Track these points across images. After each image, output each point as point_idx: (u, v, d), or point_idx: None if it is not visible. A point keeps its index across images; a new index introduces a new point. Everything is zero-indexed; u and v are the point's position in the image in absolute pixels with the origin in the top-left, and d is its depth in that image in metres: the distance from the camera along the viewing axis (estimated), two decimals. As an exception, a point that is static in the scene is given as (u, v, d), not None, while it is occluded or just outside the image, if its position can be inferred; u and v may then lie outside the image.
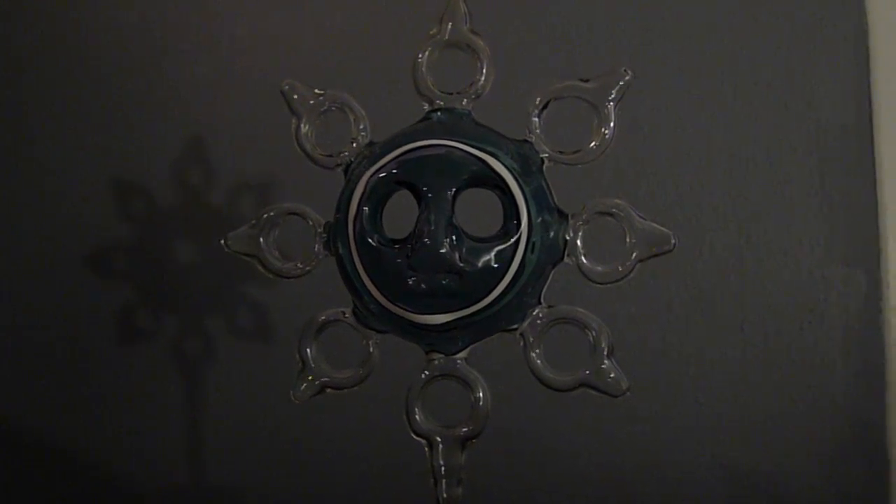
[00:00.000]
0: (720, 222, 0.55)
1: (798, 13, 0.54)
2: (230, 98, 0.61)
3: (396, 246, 0.30)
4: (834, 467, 0.54)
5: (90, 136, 0.63)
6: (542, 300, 0.32)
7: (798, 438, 0.54)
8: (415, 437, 0.32)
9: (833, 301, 0.54)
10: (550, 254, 0.31)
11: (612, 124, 0.31)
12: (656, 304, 0.56)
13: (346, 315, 0.33)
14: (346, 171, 0.33)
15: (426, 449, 0.32)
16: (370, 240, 0.30)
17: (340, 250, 0.32)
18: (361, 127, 0.33)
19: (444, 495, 0.32)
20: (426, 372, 0.32)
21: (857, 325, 0.53)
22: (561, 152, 0.32)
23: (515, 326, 0.31)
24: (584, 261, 0.31)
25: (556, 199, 0.32)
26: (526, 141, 0.32)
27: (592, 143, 0.31)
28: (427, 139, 0.30)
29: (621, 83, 0.31)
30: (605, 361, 0.31)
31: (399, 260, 0.30)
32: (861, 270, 0.54)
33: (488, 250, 0.30)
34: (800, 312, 0.54)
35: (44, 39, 0.64)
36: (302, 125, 0.33)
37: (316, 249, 0.33)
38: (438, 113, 0.32)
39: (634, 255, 0.31)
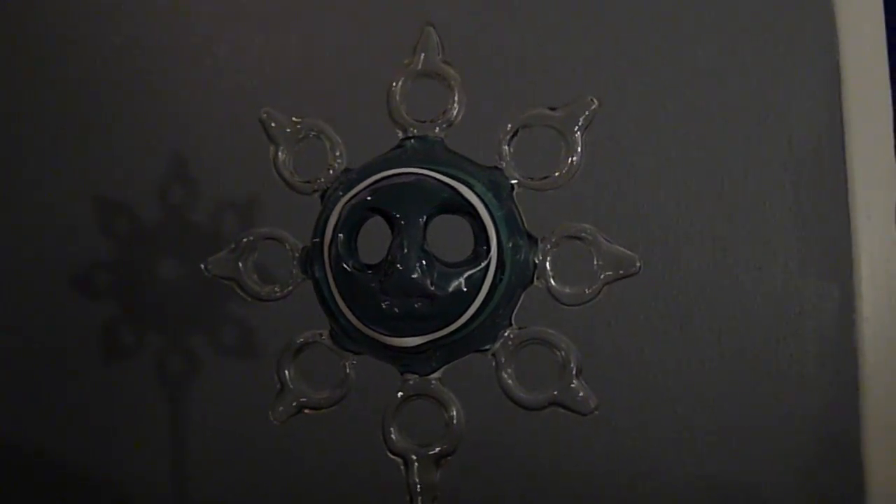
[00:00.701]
0: (696, 238, 0.56)
1: (770, 32, 0.56)
2: (212, 119, 0.62)
3: (370, 271, 0.31)
4: (811, 476, 0.55)
5: (74, 155, 0.64)
6: (512, 322, 0.33)
7: (775, 448, 0.55)
8: (391, 455, 0.33)
9: (808, 314, 0.55)
10: (520, 277, 0.32)
11: (579, 150, 0.32)
12: (635, 318, 0.56)
13: (323, 337, 0.34)
14: (322, 197, 0.34)
15: (402, 467, 0.33)
16: (345, 265, 0.31)
17: (317, 274, 0.33)
18: (338, 154, 0.34)
19: (420, 512, 0.32)
20: (401, 392, 0.33)
21: (831, 336, 0.54)
22: (530, 178, 0.33)
23: (487, 347, 0.32)
24: (553, 283, 0.32)
25: (526, 224, 0.33)
26: (496, 168, 0.33)
27: (560, 170, 0.32)
28: (400, 167, 0.31)
29: (587, 112, 0.32)
30: (574, 381, 0.32)
31: (373, 285, 0.31)
32: (835, 283, 0.55)
33: (459, 275, 0.31)
34: (775, 325, 0.55)
35: (27, 60, 0.65)
36: (280, 153, 0.34)
37: (293, 273, 0.34)
38: (412, 140, 0.33)
39: (601, 277, 0.32)
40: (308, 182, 0.34)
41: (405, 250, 0.30)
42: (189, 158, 0.62)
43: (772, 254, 0.55)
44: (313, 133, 0.34)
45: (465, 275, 0.31)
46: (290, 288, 0.34)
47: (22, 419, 0.64)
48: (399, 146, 0.33)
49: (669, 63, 0.57)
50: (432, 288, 0.30)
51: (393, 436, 0.33)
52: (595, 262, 0.32)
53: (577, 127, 0.32)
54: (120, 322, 0.63)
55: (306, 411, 0.34)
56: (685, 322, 0.56)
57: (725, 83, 0.56)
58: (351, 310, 0.31)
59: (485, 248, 0.31)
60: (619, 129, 0.56)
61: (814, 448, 0.55)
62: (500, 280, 0.31)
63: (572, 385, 0.32)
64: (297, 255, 0.34)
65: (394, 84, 0.33)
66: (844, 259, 0.54)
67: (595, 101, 0.32)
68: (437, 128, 0.33)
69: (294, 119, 0.34)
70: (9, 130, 0.65)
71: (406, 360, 0.33)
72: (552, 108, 0.32)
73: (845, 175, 0.54)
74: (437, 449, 0.32)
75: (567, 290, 0.32)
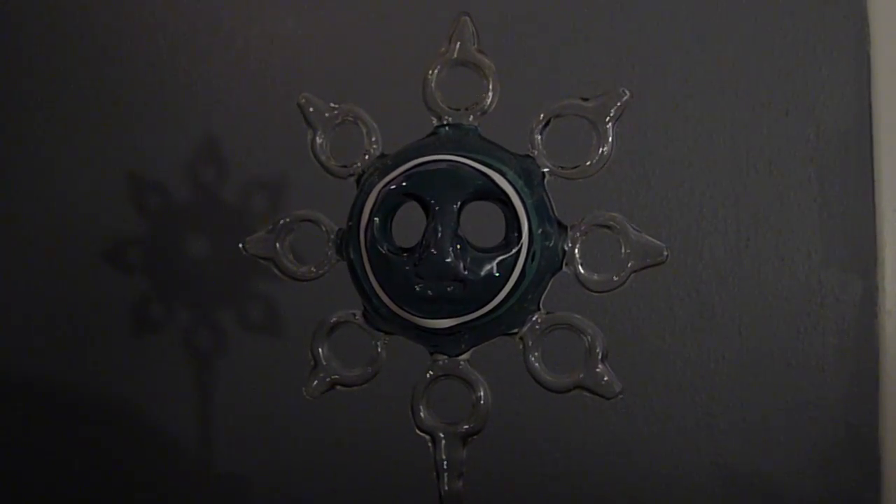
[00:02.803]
0: (720, 227, 0.56)
1: (799, 20, 0.55)
2: (244, 98, 0.62)
3: (405, 254, 0.32)
4: (827, 468, 0.55)
5: (106, 132, 0.65)
6: (541, 306, 0.33)
7: (793, 440, 0.56)
8: (419, 432, 0.34)
9: (829, 305, 0.55)
10: (550, 263, 0.33)
11: (610, 140, 0.33)
12: (657, 306, 0.57)
13: (357, 317, 0.35)
14: (358, 182, 0.35)
15: (429, 444, 0.34)
16: (380, 248, 0.32)
17: (352, 256, 0.34)
18: (374, 139, 0.35)
19: (446, 488, 0.34)
20: (430, 372, 0.34)
21: (852, 329, 0.54)
22: (561, 167, 0.33)
23: (516, 331, 0.33)
24: (581, 270, 0.33)
25: (556, 211, 0.33)
26: (528, 156, 0.33)
27: (591, 160, 0.33)
28: (435, 154, 0.32)
29: (619, 103, 0.32)
30: (600, 366, 0.32)
31: (407, 267, 0.32)
32: (857, 276, 0.55)
33: (491, 260, 0.32)
34: (796, 316, 0.55)
35: (61, 37, 0.65)
36: (317, 137, 0.35)
37: (329, 254, 0.35)
38: (446, 128, 0.34)
39: (629, 265, 0.32)
40: (344, 166, 0.35)
41: (439, 235, 0.31)
42: (221, 138, 0.63)
43: (795, 245, 0.55)
44: (350, 119, 0.35)
45: (497, 260, 0.31)
46: (326, 269, 0.35)
47: (52, 391, 0.66)
48: (433, 133, 0.34)
49: (698, 54, 0.57)
50: (465, 272, 0.31)
51: (421, 414, 0.34)
52: (623, 251, 0.33)
53: (608, 118, 0.33)
54: (151, 297, 0.64)
55: (338, 388, 0.35)
56: (706, 311, 0.56)
57: (754, 74, 0.56)
58: (385, 291, 0.32)
59: (516, 234, 0.32)
60: (648, 119, 0.57)
61: (831, 440, 0.55)
62: (530, 266, 0.32)
63: (598, 369, 0.32)
64: (332, 236, 0.35)
65: (429, 72, 0.34)
66: (868, 252, 0.54)
67: (627, 92, 0.33)
68: (472, 116, 0.34)
69: (331, 105, 0.35)
70: (45, 109, 0.66)
71: (436, 341, 0.33)
72: (584, 99, 0.33)
73: (872, 168, 0.54)
74: (465, 428, 0.34)
75: (595, 276, 0.33)
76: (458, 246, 0.31)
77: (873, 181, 0.54)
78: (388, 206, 0.32)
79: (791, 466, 0.55)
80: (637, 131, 0.56)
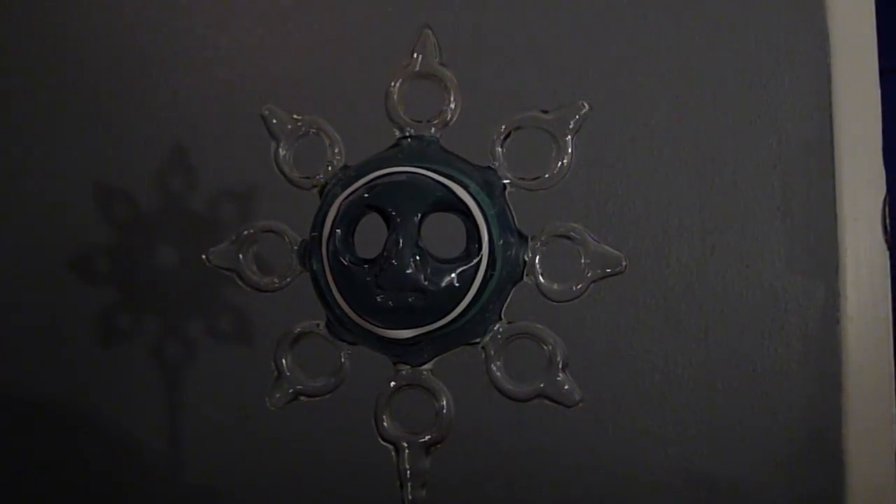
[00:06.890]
0: (685, 235, 0.57)
1: (762, 32, 0.56)
2: (212, 107, 0.62)
3: (366, 265, 0.33)
4: (791, 471, 0.56)
5: (75, 141, 0.64)
6: (502, 316, 0.34)
7: (757, 443, 0.56)
8: (382, 442, 0.34)
9: (792, 311, 0.56)
10: (511, 273, 0.33)
11: (570, 152, 0.33)
12: (624, 313, 0.57)
13: (320, 327, 0.35)
14: (321, 193, 0.35)
15: (393, 454, 0.34)
16: (342, 259, 0.33)
17: (314, 267, 0.34)
18: (336, 151, 0.35)
19: (410, 497, 0.34)
20: (394, 382, 0.34)
21: (815, 334, 0.55)
22: (522, 178, 0.34)
23: (477, 340, 0.34)
24: (542, 280, 0.33)
25: (517, 222, 0.34)
26: (490, 168, 0.34)
27: (551, 171, 0.33)
28: (396, 166, 0.32)
29: (578, 115, 0.33)
30: (560, 374, 0.33)
31: (368, 278, 0.32)
32: (820, 282, 0.56)
33: (451, 271, 0.32)
34: (760, 322, 0.56)
35: (30, 46, 0.65)
36: (280, 148, 0.35)
37: (292, 265, 0.35)
38: (408, 140, 0.34)
39: (588, 275, 0.33)
40: (307, 178, 0.35)
41: (400, 246, 0.31)
42: (189, 147, 0.62)
43: (759, 252, 0.56)
44: (313, 130, 0.35)
45: (458, 270, 0.32)
46: (289, 280, 0.35)
47: (19, 402, 0.65)
48: (396, 145, 0.34)
49: (661, 64, 0.57)
50: (425, 283, 0.31)
51: (385, 423, 0.34)
52: (583, 261, 0.33)
53: (568, 130, 0.33)
54: (118, 308, 0.63)
55: (302, 398, 0.35)
56: (672, 318, 0.57)
57: (716, 83, 0.57)
58: (347, 302, 0.33)
59: (477, 245, 0.32)
60: (611, 129, 0.57)
61: (795, 444, 0.56)
62: (491, 276, 0.32)
63: (558, 378, 0.33)
64: (295, 248, 0.35)
65: (392, 84, 0.34)
66: (830, 259, 0.55)
67: (586, 105, 0.33)
68: (433, 128, 0.34)
69: (294, 116, 0.35)
70: (10, 117, 0.65)
71: (399, 351, 0.34)
72: (544, 111, 0.34)
73: (833, 176, 0.55)
74: (428, 437, 0.34)
75: (555, 286, 0.33)
76: (419, 257, 0.32)
77: (835, 189, 0.55)
78: (350, 218, 0.33)
79: (756, 470, 0.56)
80: (603, 141, 0.57)
